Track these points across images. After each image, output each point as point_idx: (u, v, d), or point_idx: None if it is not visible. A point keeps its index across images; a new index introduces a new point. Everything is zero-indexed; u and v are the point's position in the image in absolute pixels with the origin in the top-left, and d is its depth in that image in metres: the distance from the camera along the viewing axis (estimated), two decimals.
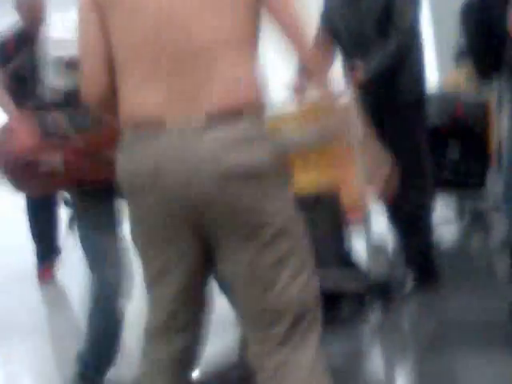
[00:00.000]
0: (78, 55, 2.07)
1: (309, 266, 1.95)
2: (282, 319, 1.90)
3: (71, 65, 3.09)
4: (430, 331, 3.78)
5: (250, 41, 1.91)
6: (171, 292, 1.99)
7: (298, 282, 1.92)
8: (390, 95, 4.26)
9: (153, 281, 2.02)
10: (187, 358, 2.06)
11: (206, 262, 1.97)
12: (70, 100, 3.13)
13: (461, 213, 6.23)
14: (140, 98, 1.88)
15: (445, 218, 6.11)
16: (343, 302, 4.08)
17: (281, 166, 1.90)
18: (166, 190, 1.85)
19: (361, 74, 4.06)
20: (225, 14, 1.86)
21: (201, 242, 1.92)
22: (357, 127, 3.96)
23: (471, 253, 5.37)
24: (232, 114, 1.83)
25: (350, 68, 4.20)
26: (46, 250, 5.81)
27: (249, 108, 1.86)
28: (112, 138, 3.04)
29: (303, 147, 3.95)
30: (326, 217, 4.06)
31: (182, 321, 2.02)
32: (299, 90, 4.21)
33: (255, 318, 1.91)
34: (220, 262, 1.94)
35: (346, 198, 4.03)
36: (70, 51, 3.00)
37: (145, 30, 1.87)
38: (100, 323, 3.25)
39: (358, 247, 4.22)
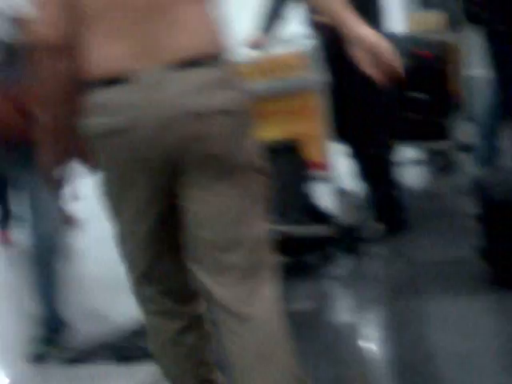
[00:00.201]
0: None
1: (269, 208, 2.00)
2: (249, 251, 1.94)
3: (15, 20, 3.08)
4: (398, 274, 3.80)
5: None
6: (144, 241, 2.01)
7: (265, 220, 1.97)
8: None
9: (125, 232, 2.03)
10: (179, 297, 2.10)
11: (175, 208, 1.99)
12: (10, 53, 3.09)
13: (427, 155, 6.25)
14: (105, 51, 1.89)
15: (411, 159, 6.13)
16: (311, 249, 4.07)
17: (247, 110, 1.95)
18: (137, 140, 1.87)
19: (324, 18, 4.00)
20: None
21: (172, 186, 1.94)
22: (318, 75, 3.96)
23: (438, 194, 5.39)
24: (196, 61, 1.87)
25: (312, 11, 4.14)
26: (4, 214, 6.03)
27: (213, 57, 1.90)
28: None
29: (263, 97, 3.92)
30: (290, 165, 4.05)
31: (161, 269, 2.05)
32: (259, 44, 4.21)
33: (221, 250, 1.93)
34: (190, 202, 1.94)
35: (310, 150, 4.02)
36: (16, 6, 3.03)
37: None
38: (41, 277, 3.27)
39: (324, 194, 4.20)
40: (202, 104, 1.86)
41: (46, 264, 3.26)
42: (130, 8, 1.87)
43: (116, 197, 1.99)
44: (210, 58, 1.88)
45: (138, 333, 3.26)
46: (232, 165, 1.90)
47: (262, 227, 1.96)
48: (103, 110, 1.90)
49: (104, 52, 1.89)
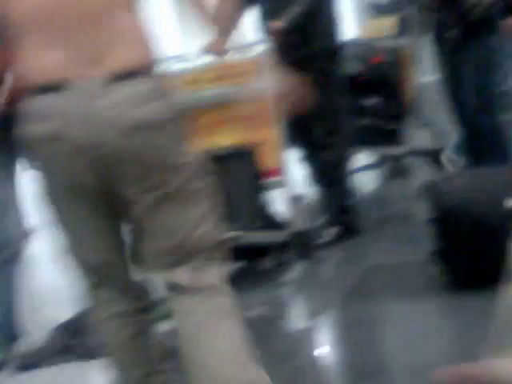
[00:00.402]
0: None
1: (217, 210, 2.04)
2: (205, 256, 1.98)
3: None
4: (351, 278, 3.81)
5: (140, 3, 1.99)
6: (92, 247, 2.04)
7: (211, 222, 2.01)
8: (304, 44, 4.23)
9: (72, 239, 2.05)
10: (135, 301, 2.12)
11: (117, 215, 2.03)
12: None
13: (380, 159, 6.29)
14: (40, 62, 1.92)
15: (364, 164, 6.17)
16: (265, 254, 4.07)
17: (179, 120, 1.98)
18: (69, 148, 1.90)
19: (279, 23, 4.06)
20: None
21: (111, 196, 1.97)
22: (271, 79, 3.96)
23: (390, 199, 5.43)
24: (131, 73, 1.91)
25: (266, 18, 4.18)
26: None
27: (146, 67, 1.95)
28: None
29: (218, 104, 3.92)
30: (244, 171, 4.05)
31: (117, 269, 2.08)
32: (215, 50, 4.22)
33: (180, 256, 1.96)
34: (132, 212, 1.98)
35: (264, 156, 4.03)
36: None
37: None
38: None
39: (278, 199, 4.21)
40: (135, 117, 1.89)
41: (3, 271, 3.20)
42: (65, 18, 1.90)
43: (57, 203, 2.01)
44: (143, 70, 1.93)
45: (83, 327, 3.24)
46: (173, 174, 1.93)
47: (217, 231, 2.01)
48: (39, 117, 1.93)
49: (41, 60, 1.92)
